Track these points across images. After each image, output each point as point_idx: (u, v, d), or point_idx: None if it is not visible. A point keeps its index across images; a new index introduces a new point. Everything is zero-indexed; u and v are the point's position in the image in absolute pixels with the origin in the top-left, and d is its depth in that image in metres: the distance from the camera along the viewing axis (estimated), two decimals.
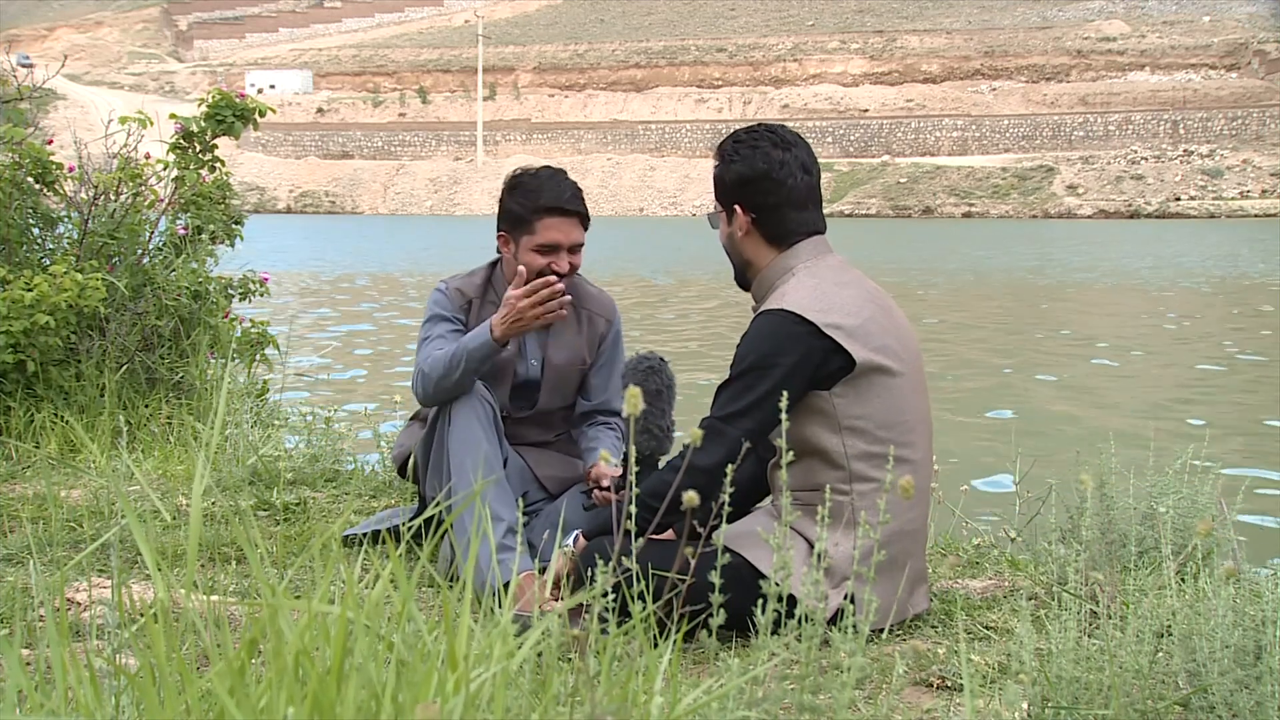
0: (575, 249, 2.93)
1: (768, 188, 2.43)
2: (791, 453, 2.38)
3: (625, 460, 2.67)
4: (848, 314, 2.34)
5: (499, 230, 2.98)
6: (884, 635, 2.37)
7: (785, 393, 2.27)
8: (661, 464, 2.62)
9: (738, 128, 2.56)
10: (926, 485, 2.48)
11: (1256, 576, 2.41)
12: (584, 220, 2.94)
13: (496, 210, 3.02)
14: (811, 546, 2.35)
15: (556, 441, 3.13)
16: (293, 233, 42.51)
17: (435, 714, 0.94)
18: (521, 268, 2.77)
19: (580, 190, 2.96)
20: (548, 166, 3.00)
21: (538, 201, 2.88)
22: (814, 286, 2.37)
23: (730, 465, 2.31)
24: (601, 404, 3.13)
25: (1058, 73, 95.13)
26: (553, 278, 2.73)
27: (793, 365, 2.30)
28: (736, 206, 2.47)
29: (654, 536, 2.43)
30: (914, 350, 2.47)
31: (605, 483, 2.79)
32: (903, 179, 76.34)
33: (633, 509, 1.79)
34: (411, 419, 3.22)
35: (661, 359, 2.78)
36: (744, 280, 2.56)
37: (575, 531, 2.64)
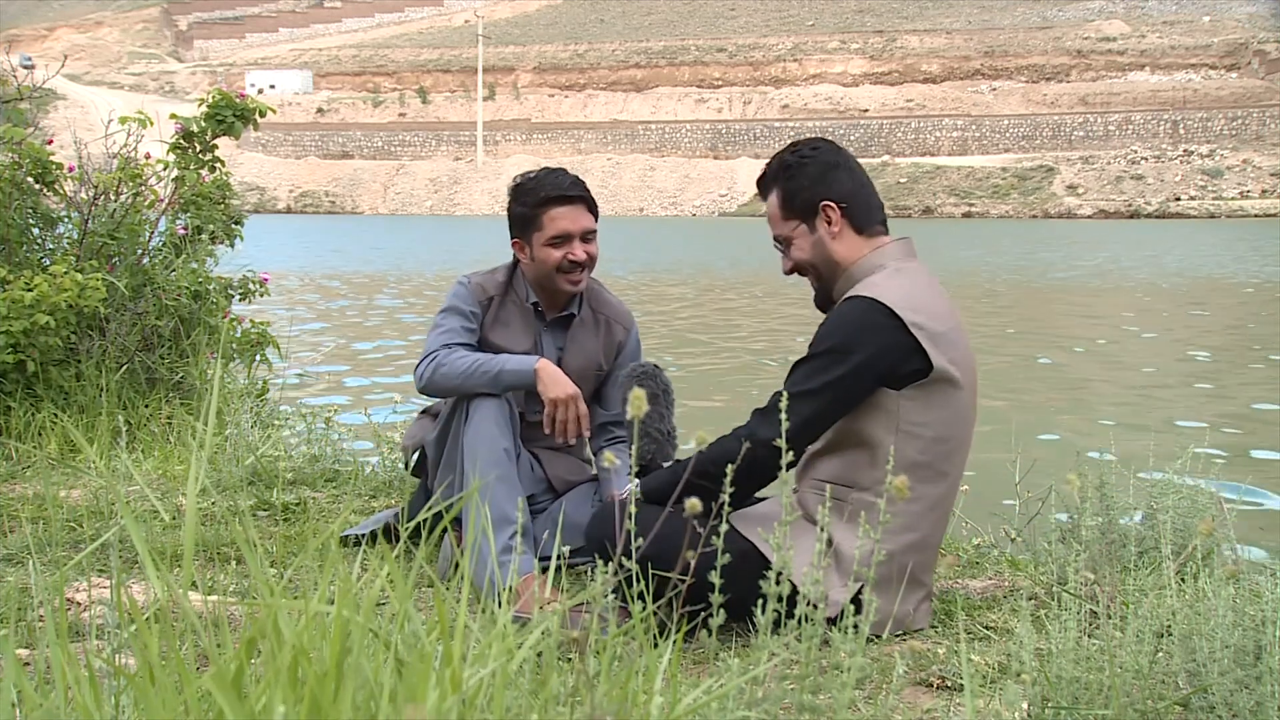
0: (588, 237, 2.93)
1: (845, 175, 2.48)
2: (838, 442, 2.37)
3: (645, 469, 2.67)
4: (934, 318, 2.34)
5: (513, 238, 2.99)
6: (884, 635, 2.37)
7: (859, 386, 2.29)
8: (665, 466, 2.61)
9: (795, 139, 2.60)
10: (952, 504, 2.48)
11: (1257, 576, 2.41)
12: (590, 207, 2.95)
13: (507, 219, 3.03)
14: (829, 542, 2.34)
15: (569, 446, 3.13)
16: (291, 232, 42.52)
17: (423, 715, 0.94)
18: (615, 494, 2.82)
19: (581, 181, 2.96)
20: (545, 166, 3.02)
21: (539, 195, 2.89)
22: (905, 285, 2.37)
23: (797, 445, 2.31)
24: (617, 416, 3.12)
25: (1058, 73, 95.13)
26: (582, 433, 2.79)
27: (872, 355, 2.29)
28: (824, 204, 2.46)
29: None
30: (973, 367, 2.47)
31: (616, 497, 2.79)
32: (903, 179, 76.34)
33: (633, 509, 1.79)
34: (423, 413, 3.22)
35: (655, 365, 2.78)
36: (827, 297, 2.53)
37: (635, 482, 2.60)
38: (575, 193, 2.91)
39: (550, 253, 2.90)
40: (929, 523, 2.39)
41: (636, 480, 2.54)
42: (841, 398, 2.31)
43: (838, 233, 2.46)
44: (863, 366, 2.29)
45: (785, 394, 2.32)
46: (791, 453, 2.33)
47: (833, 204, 2.45)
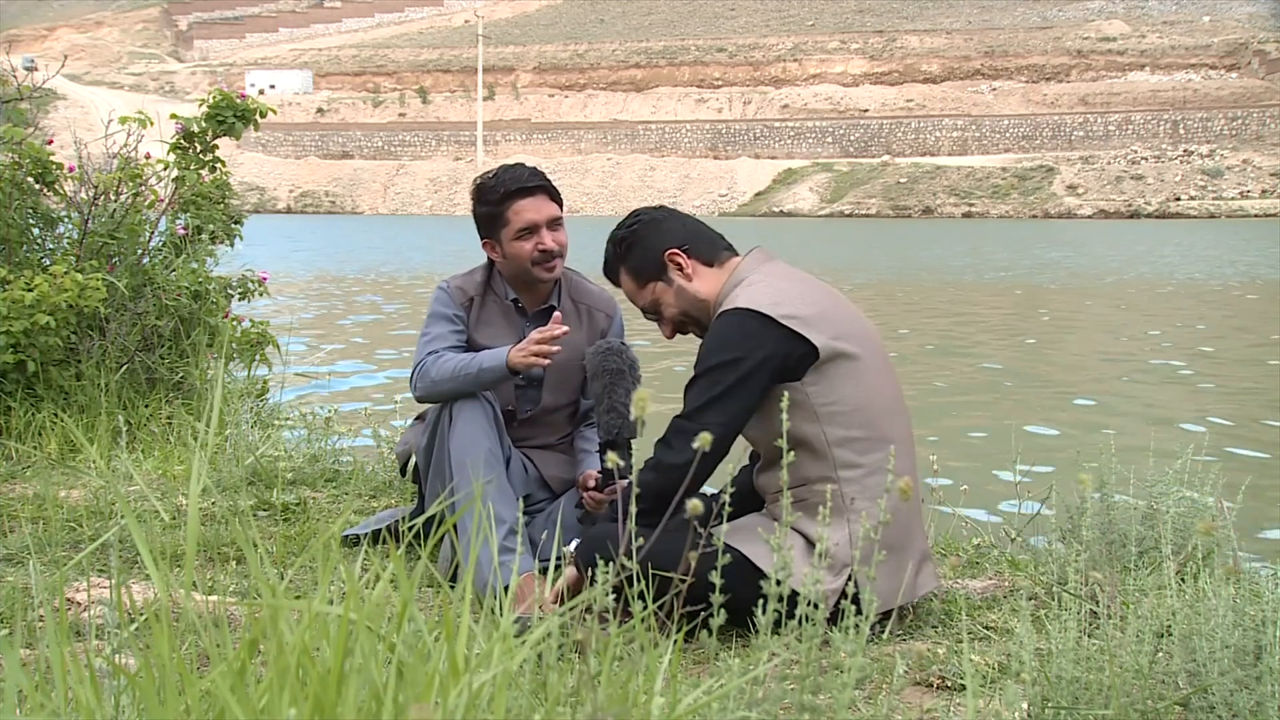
0: (554, 225, 2.95)
1: (674, 224, 2.62)
2: (780, 452, 2.39)
3: (602, 450, 2.69)
4: (803, 304, 2.42)
5: (482, 240, 3.01)
6: (884, 635, 2.37)
7: (754, 392, 2.34)
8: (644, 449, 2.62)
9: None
10: (912, 464, 2.50)
11: (1257, 576, 2.41)
12: (552, 195, 2.97)
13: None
14: (809, 543, 2.37)
15: (561, 444, 3.13)
16: (290, 232, 42.50)
17: (429, 715, 0.94)
18: (558, 312, 2.79)
19: (540, 171, 2.99)
20: (502, 165, 3.05)
21: (500, 191, 2.92)
22: (766, 284, 2.46)
23: (708, 464, 2.36)
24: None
25: (1058, 73, 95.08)
26: (563, 328, 2.74)
27: (757, 360, 2.36)
28: (668, 254, 2.58)
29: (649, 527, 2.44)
30: (873, 335, 2.53)
31: (591, 484, 2.79)
32: (903, 179, 76.30)
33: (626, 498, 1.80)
34: (417, 418, 3.23)
35: (622, 342, 2.81)
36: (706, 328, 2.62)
37: (574, 540, 2.63)
38: (535, 183, 2.93)
39: (521, 246, 2.92)
40: (892, 501, 2.39)
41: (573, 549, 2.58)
42: (740, 405, 2.38)
43: (691, 274, 2.59)
44: (752, 372, 2.37)
45: (682, 419, 2.41)
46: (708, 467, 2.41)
47: (676, 250, 2.58)
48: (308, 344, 11.40)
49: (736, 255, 2.62)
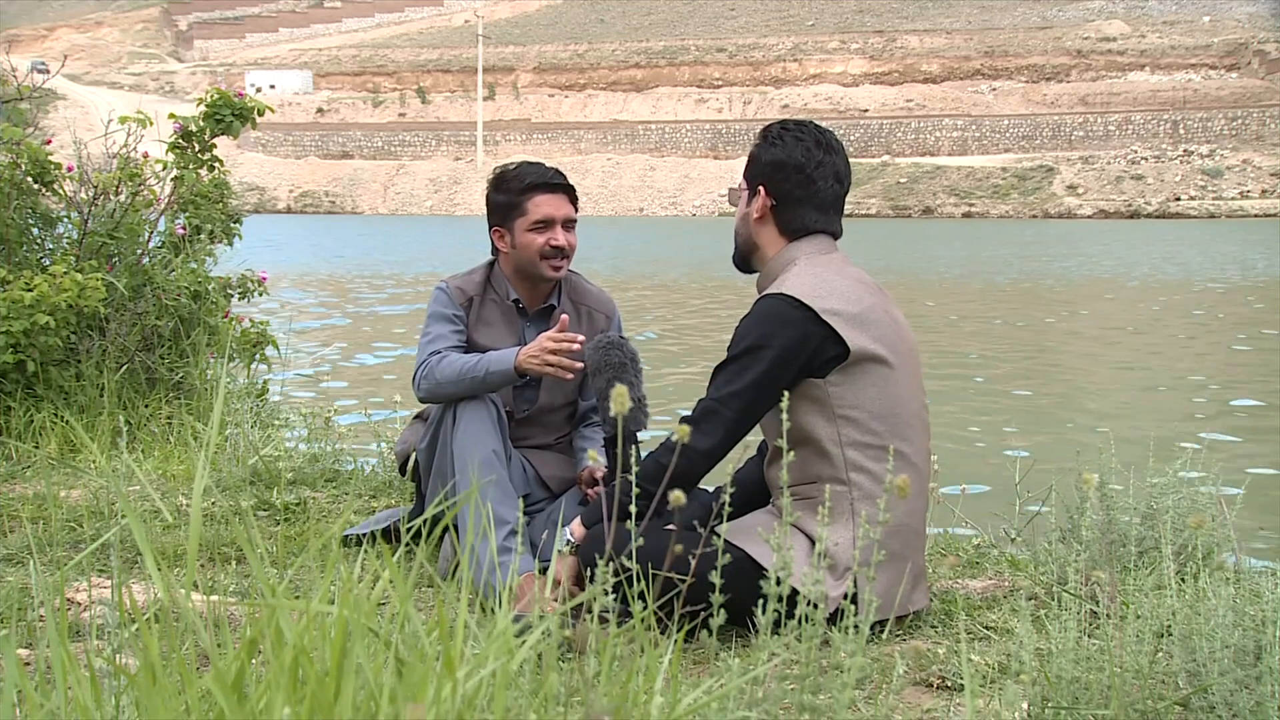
0: (569, 225, 2.97)
1: (797, 180, 2.47)
2: (791, 451, 2.38)
3: (607, 446, 2.70)
4: (847, 301, 2.38)
5: (492, 227, 3.01)
6: (884, 635, 2.37)
7: (780, 381, 2.32)
8: (643, 439, 2.62)
9: (786, 119, 2.60)
10: (924, 481, 2.49)
11: (1256, 576, 2.41)
12: (572, 197, 2.99)
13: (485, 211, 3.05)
14: (812, 542, 2.35)
15: (559, 444, 3.14)
16: (292, 232, 42.50)
17: (422, 715, 0.94)
18: (565, 316, 2.80)
19: (564, 174, 3.02)
20: (524, 160, 3.07)
21: (524, 183, 2.94)
22: (814, 274, 2.41)
23: (727, 450, 2.35)
24: (594, 404, 3.13)
25: (1058, 73, 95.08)
26: (577, 337, 2.72)
27: (788, 348, 2.33)
28: (761, 188, 2.50)
29: (654, 524, 2.43)
30: (911, 346, 2.49)
31: (599, 475, 2.80)
32: (903, 179, 76.30)
33: (633, 492, 1.81)
34: (415, 418, 3.23)
35: (621, 336, 2.81)
36: (744, 263, 2.60)
37: (568, 526, 2.64)
38: (559, 181, 2.97)
39: (533, 238, 2.93)
40: (903, 501, 2.37)
41: (570, 534, 2.57)
42: (765, 394, 2.34)
43: (760, 220, 2.52)
44: (780, 360, 2.33)
45: (710, 400, 2.38)
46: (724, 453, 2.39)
47: (766, 193, 2.49)
48: (303, 348, 11.40)
49: (814, 235, 2.51)
